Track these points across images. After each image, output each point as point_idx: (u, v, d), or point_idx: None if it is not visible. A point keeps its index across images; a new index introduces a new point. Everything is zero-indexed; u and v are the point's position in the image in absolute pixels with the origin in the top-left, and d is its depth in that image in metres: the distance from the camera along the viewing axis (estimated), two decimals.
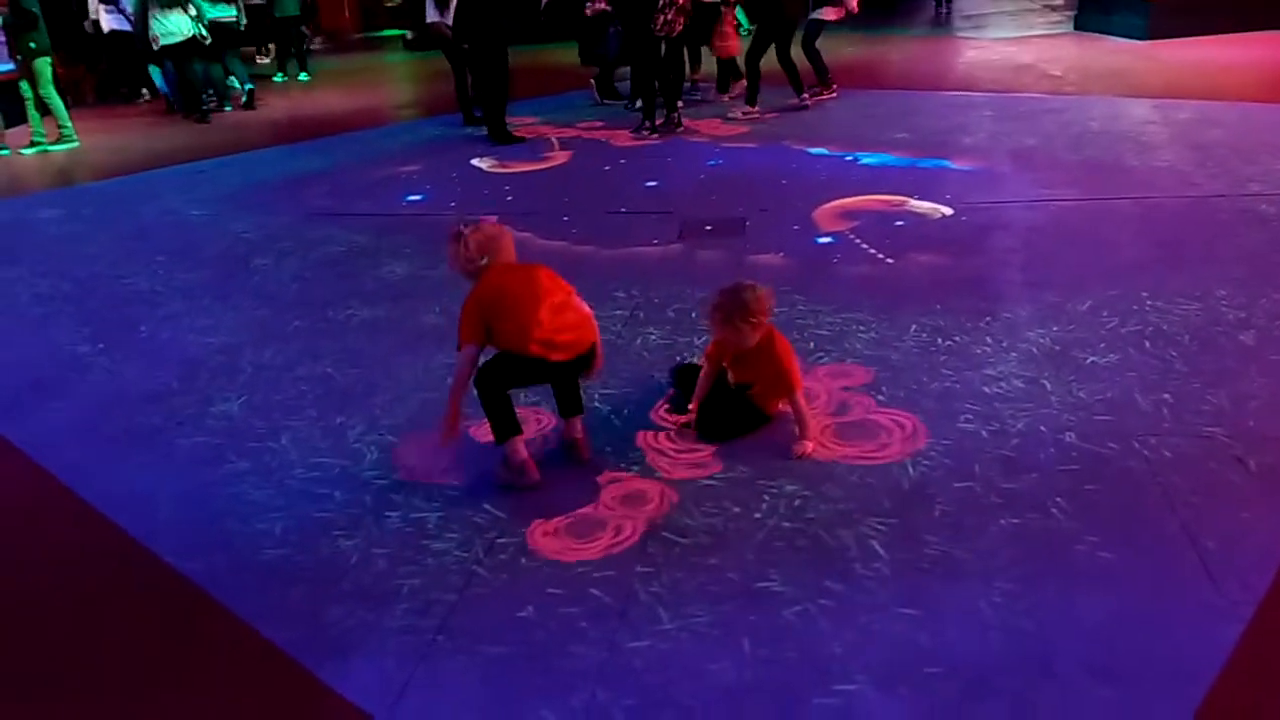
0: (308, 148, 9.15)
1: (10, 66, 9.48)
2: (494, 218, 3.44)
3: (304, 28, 13.46)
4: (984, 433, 3.28)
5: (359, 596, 2.68)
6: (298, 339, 4.54)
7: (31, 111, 9.50)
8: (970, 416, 3.38)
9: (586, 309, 3.27)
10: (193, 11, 10.64)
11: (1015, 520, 2.79)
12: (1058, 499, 2.87)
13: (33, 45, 9.20)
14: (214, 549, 2.97)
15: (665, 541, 2.81)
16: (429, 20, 9.18)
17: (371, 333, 4.56)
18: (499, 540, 2.89)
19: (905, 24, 15.13)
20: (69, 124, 9.71)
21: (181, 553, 2.95)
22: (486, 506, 3.07)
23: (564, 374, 3.24)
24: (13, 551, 3.10)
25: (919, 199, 5.93)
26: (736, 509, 2.94)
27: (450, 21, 8.74)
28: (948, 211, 5.70)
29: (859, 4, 9.29)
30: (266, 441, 3.60)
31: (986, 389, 3.57)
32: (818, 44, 9.27)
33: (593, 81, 10.21)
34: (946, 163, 6.82)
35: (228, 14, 11.49)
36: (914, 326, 4.15)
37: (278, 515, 3.12)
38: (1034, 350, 3.86)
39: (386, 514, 3.08)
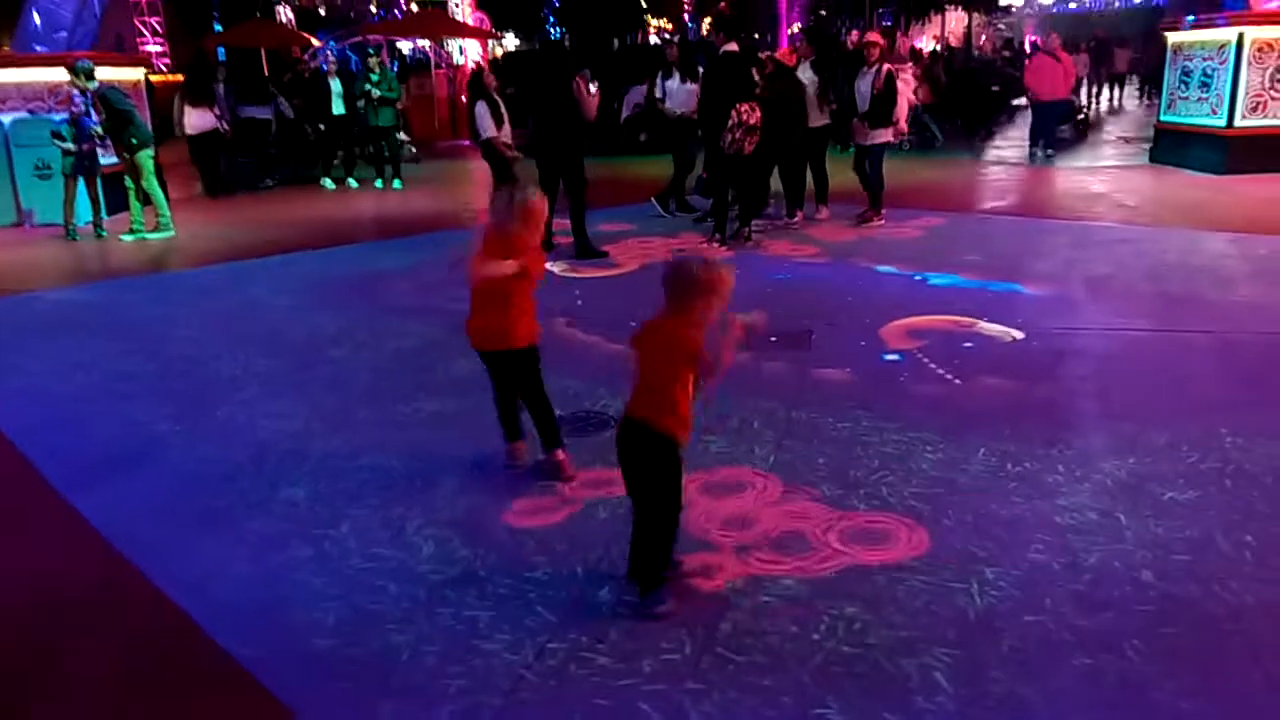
0: (392, 245, 9.50)
1: (114, 160, 10.11)
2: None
3: (399, 135, 14.13)
4: (1055, 565, 3.16)
5: (407, 694, 2.66)
6: (365, 429, 4.63)
7: (133, 201, 10.04)
8: (1041, 547, 3.27)
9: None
10: None
11: (1088, 660, 2.67)
12: (1134, 640, 2.74)
13: (134, 141, 9.75)
14: (270, 635, 2.98)
15: (719, 658, 2.74)
16: (484, 137, 9.43)
17: (436, 427, 4.64)
18: (549, 645, 2.85)
19: (983, 150, 15.33)
20: (167, 214, 10.20)
21: (239, 637, 2.97)
22: (540, 609, 3.04)
23: None
24: (80, 635, 3.15)
25: (989, 321, 5.89)
26: (794, 628, 2.86)
27: (507, 139, 9.00)
28: (1019, 335, 5.65)
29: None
30: (328, 529, 3.64)
31: (1058, 519, 3.47)
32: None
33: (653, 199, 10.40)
34: (1018, 287, 6.79)
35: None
36: (982, 450, 4.07)
37: (333, 604, 3.13)
38: (1108, 482, 3.75)
39: (439, 610, 3.07)
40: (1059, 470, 3.86)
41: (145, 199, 10.09)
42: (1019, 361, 5.23)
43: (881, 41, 9.59)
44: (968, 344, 5.56)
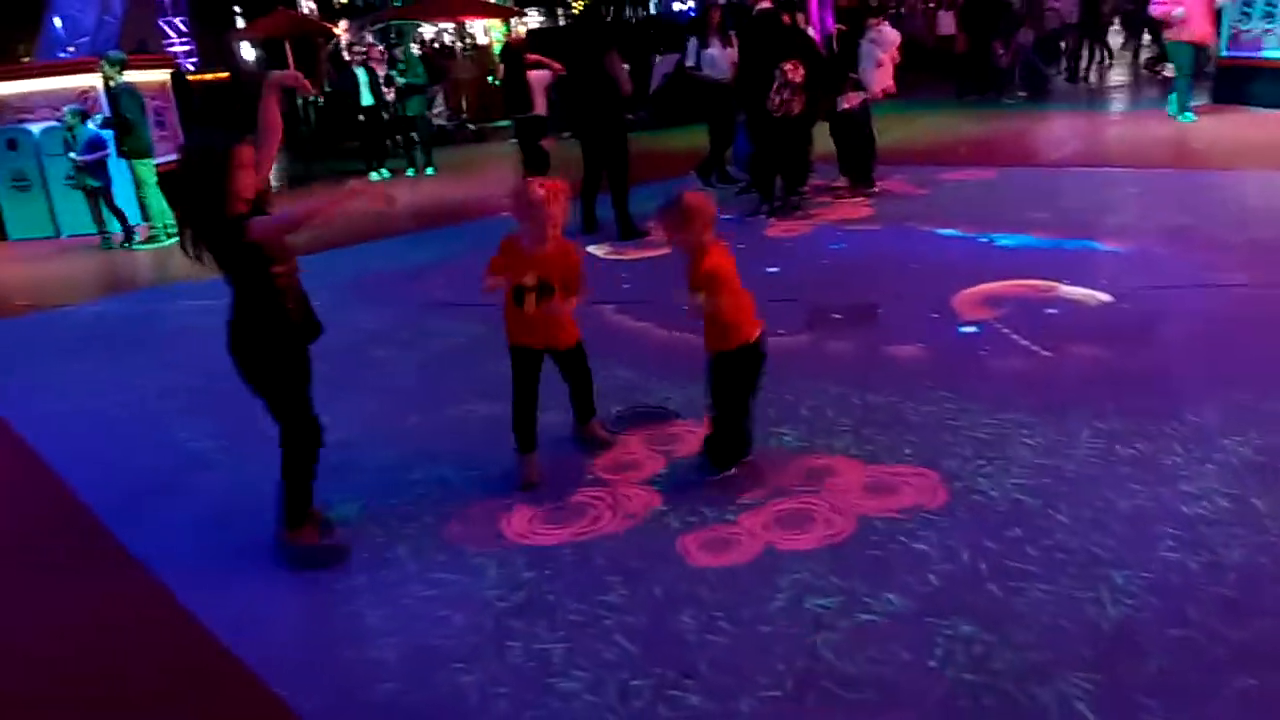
0: (426, 237, 9.24)
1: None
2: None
3: (429, 112, 13.90)
4: (1192, 564, 2.81)
5: None
6: (416, 438, 4.38)
7: (150, 209, 9.85)
8: (1173, 543, 2.92)
9: None
10: None
11: (1252, 681, 2.33)
12: None
13: (125, 148, 9.57)
14: (327, 681, 2.74)
15: (826, 694, 2.44)
16: (533, 113, 9.13)
17: (489, 432, 4.35)
18: (632, 683, 2.57)
19: (1025, 97, 14.65)
20: (160, 224, 9.85)
21: (293, 682, 2.73)
22: (618, 639, 2.77)
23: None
24: (118, 676, 2.94)
25: (1070, 284, 5.47)
26: (906, 655, 2.55)
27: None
28: (1105, 298, 5.23)
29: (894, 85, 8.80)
30: (383, 552, 3.40)
31: (1185, 509, 3.11)
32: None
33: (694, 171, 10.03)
34: (1094, 244, 6.35)
35: None
36: (1086, 431, 3.71)
37: (393, 641, 2.88)
38: (1234, 461, 3.38)
39: (508, 643, 2.81)
40: (1176, 450, 3.49)
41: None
42: (1111, 327, 4.83)
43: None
44: (1050, 310, 5.16)
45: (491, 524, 3.50)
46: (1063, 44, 16.83)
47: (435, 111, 17.47)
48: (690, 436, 4.04)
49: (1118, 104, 13.53)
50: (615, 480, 3.74)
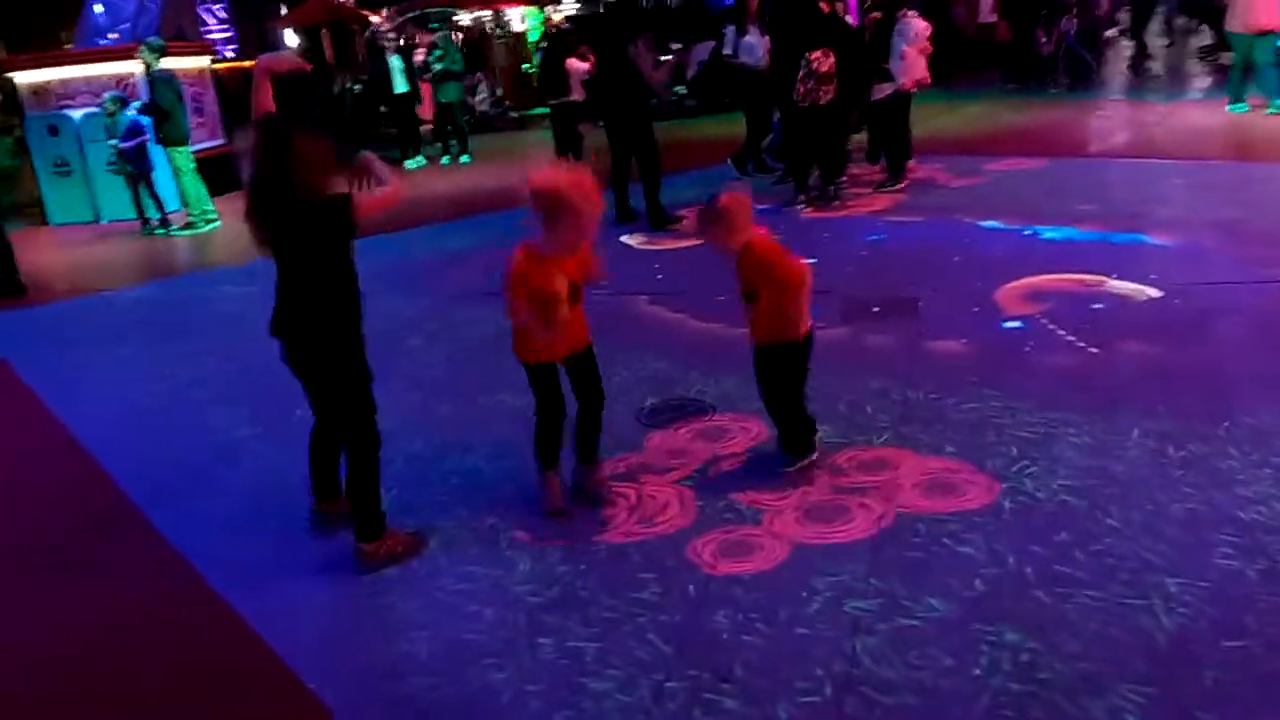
0: (461, 225, 9.22)
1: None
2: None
3: (472, 98, 13.90)
4: (1250, 572, 2.71)
5: None
6: (448, 427, 4.35)
7: (188, 193, 9.92)
8: (1229, 550, 2.81)
9: None
10: None
11: None
12: None
13: (162, 135, 9.62)
14: (357, 674, 2.71)
15: (865, 700, 2.37)
16: (571, 97, 9.10)
17: (519, 422, 4.27)
18: (667, 684, 2.51)
19: (1066, 86, 14.34)
20: (198, 210, 9.94)
21: (322, 673, 2.71)
22: (652, 638, 2.71)
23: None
24: (152, 664, 2.93)
25: (1118, 278, 5.32)
26: (949, 660, 2.48)
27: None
28: (1155, 293, 5.08)
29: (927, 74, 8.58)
30: None
31: (1242, 514, 2.99)
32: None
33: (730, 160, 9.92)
34: (1143, 237, 6.18)
35: None
36: (1136, 431, 3.59)
37: (424, 634, 2.85)
38: None
39: (540, 640, 2.76)
40: (1231, 453, 3.36)
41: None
42: (1161, 323, 4.69)
43: None
44: (1097, 305, 5.02)
45: (525, 517, 3.46)
46: (1107, 33, 16.45)
47: (478, 98, 17.49)
48: (726, 433, 3.98)
49: (1168, 93, 13.19)
50: (648, 476, 3.68)
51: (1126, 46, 16.33)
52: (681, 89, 14.41)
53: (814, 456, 3.60)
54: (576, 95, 9.56)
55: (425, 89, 13.85)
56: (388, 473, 3.88)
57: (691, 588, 2.93)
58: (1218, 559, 2.78)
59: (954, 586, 2.80)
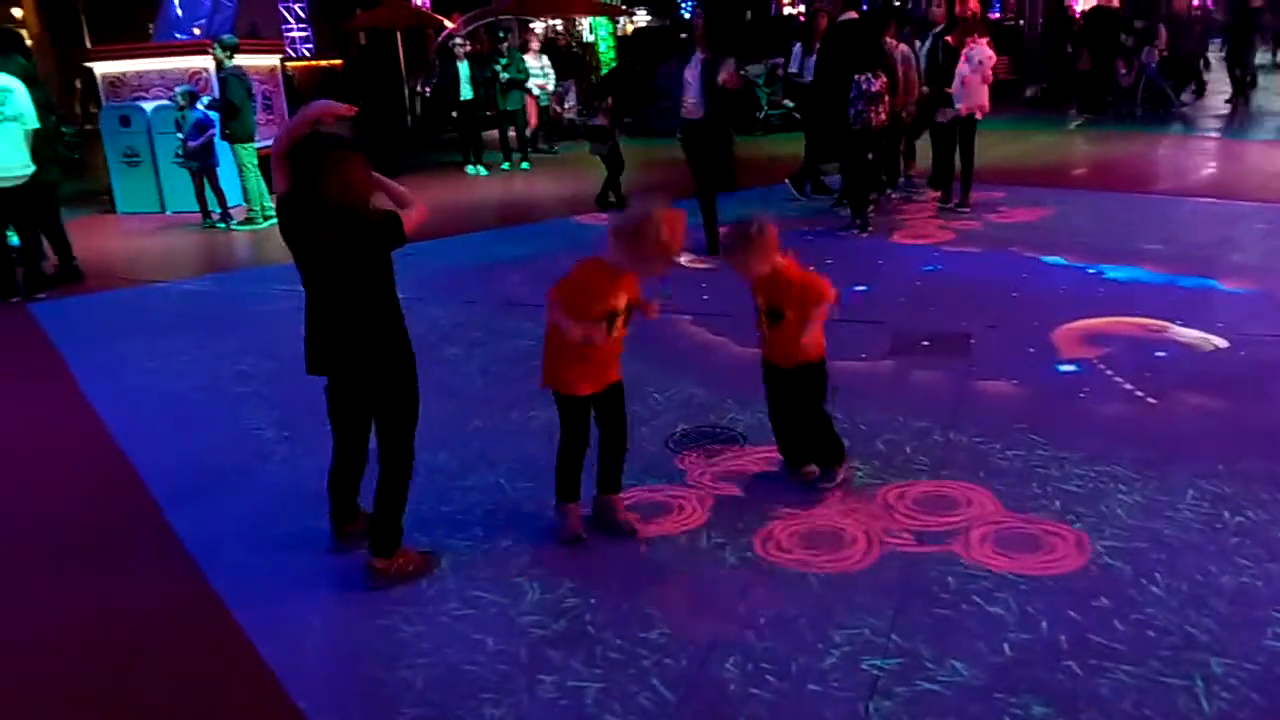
0: (511, 234, 9.21)
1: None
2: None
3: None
4: None
5: None
6: (475, 441, 4.29)
7: (250, 189, 10.08)
8: None
9: None
10: None
11: None
12: None
13: (229, 131, 9.77)
14: (350, 698, 2.65)
15: None
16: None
17: (548, 439, 4.19)
18: None
19: (1147, 121, 13.89)
20: (258, 208, 10.07)
21: (317, 699, 2.64)
22: (655, 683, 2.59)
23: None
24: (153, 671, 2.90)
25: (1183, 325, 5.07)
26: None
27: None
28: (1222, 343, 4.82)
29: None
30: None
31: None
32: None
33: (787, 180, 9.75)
34: (1213, 282, 5.90)
35: None
36: (1191, 492, 3.38)
37: (423, 662, 2.77)
38: None
39: (540, 677, 2.66)
40: None
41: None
42: (1226, 376, 4.44)
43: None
44: (1160, 353, 4.78)
45: (539, 542, 3.37)
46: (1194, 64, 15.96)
47: (567, 106, 17.55)
48: (754, 466, 3.85)
49: (1253, 130, 12.70)
50: (673, 505, 3.57)
51: (1210, 79, 15.79)
52: (790, 103, 14.25)
53: (844, 475, 3.62)
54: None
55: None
56: (409, 486, 3.84)
57: (702, 630, 2.81)
58: (1268, 639, 2.58)
59: (981, 650, 2.63)
